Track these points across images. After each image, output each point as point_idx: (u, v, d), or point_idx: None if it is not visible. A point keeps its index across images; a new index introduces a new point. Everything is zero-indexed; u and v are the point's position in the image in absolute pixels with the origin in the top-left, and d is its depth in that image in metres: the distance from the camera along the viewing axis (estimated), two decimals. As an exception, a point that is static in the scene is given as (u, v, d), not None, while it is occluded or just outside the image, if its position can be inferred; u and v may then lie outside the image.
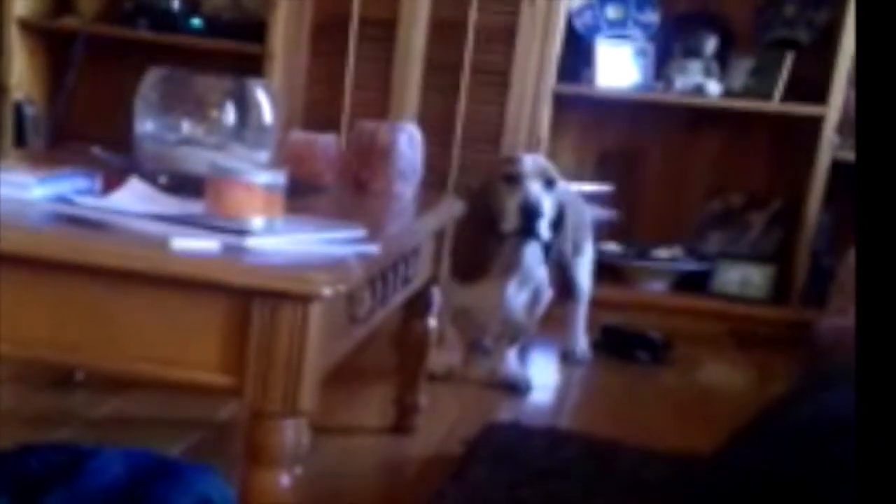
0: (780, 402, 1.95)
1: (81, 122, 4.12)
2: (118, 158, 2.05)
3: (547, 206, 2.67)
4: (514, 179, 2.69)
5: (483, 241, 2.72)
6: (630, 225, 4.07)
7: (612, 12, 3.96)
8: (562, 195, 2.77)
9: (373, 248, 1.58)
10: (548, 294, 2.94)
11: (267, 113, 2.00)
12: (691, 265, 3.94)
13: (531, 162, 2.73)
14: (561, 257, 2.80)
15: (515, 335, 2.96)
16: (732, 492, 1.74)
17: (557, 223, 2.74)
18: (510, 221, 2.66)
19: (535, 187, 2.67)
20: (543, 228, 2.66)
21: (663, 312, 3.78)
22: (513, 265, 2.77)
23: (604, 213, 3.68)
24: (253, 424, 1.46)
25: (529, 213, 2.63)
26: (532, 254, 2.77)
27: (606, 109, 4.05)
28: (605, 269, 3.79)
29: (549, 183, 2.71)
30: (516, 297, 2.85)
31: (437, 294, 2.40)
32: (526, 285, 2.85)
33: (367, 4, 3.81)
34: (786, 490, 1.58)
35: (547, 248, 2.75)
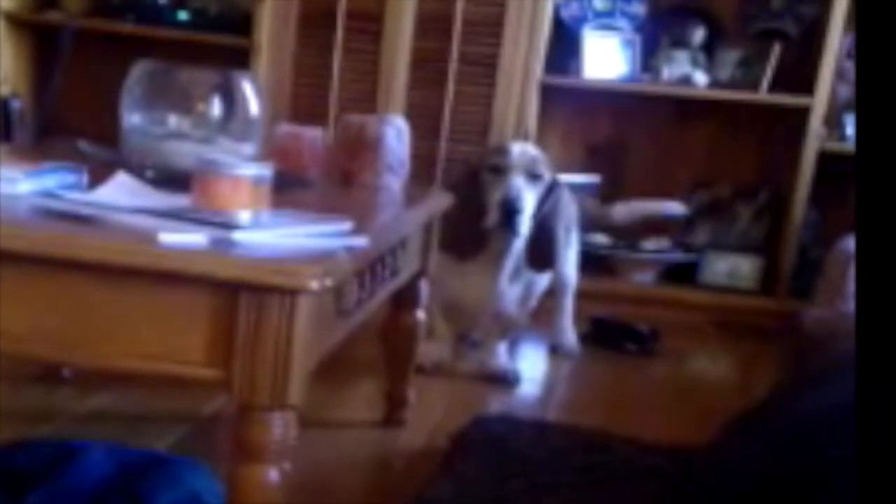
0: (773, 395, 1.95)
1: (68, 116, 4.10)
2: (105, 152, 2.04)
3: (528, 201, 2.69)
4: (499, 171, 2.70)
5: (471, 228, 2.72)
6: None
7: (599, 3, 3.96)
8: (554, 184, 2.78)
9: (360, 242, 1.58)
10: (540, 287, 2.95)
11: (253, 106, 2.00)
12: (679, 256, 3.94)
13: (519, 153, 2.73)
14: (547, 234, 2.79)
15: (506, 329, 2.97)
16: (725, 485, 1.75)
17: (550, 212, 2.75)
18: (492, 216, 2.68)
19: (518, 182, 2.68)
20: (522, 225, 2.67)
21: (651, 304, 3.79)
22: (499, 256, 2.78)
23: (672, 208, 3.69)
24: (241, 418, 1.45)
25: (509, 210, 2.65)
26: (521, 248, 2.78)
27: (594, 100, 4.05)
28: (594, 261, 3.80)
29: (535, 176, 2.72)
30: (508, 290, 2.86)
31: (425, 287, 2.40)
32: (518, 279, 2.85)
33: (353, -3, 3.81)
34: (778, 485, 1.58)
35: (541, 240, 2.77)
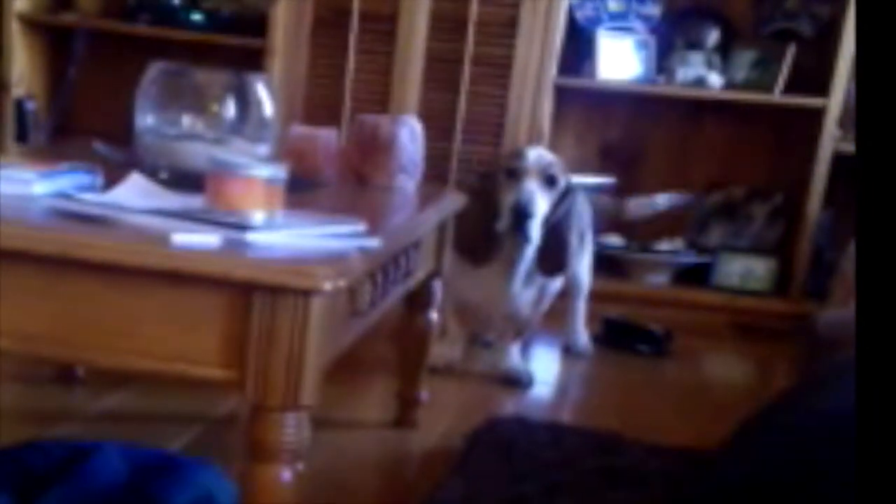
0: (787, 397, 1.94)
1: (82, 117, 4.12)
2: (119, 153, 2.05)
3: (541, 206, 2.68)
4: (514, 175, 2.70)
5: (485, 231, 2.72)
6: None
7: (613, 4, 3.95)
8: (568, 189, 2.77)
9: (374, 242, 1.58)
10: (553, 290, 2.94)
11: (267, 107, 2.00)
12: (692, 258, 3.93)
13: (535, 158, 2.72)
14: (559, 239, 2.77)
15: (519, 330, 2.96)
16: (737, 487, 1.74)
17: (562, 218, 2.74)
18: (504, 220, 2.67)
19: (531, 186, 2.67)
20: (534, 231, 2.66)
21: (665, 305, 3.78)
22: (511, 260, 2.77)
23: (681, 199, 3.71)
24: (254, 419, 1.45)
25: (520, 215, 2.64)
26: (534, 252, 2.77)
27: (608, 102, 4.04)
28: (607, 262, 3.80)
29: (550, 180, 2.71)
30: (522, 293, 2.85)
31: (438, 287, 2.40)
32: (531, 281, 2.85)
33: (367, -2, 3.82)
34: (791, 487, 1.58)
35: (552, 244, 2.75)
